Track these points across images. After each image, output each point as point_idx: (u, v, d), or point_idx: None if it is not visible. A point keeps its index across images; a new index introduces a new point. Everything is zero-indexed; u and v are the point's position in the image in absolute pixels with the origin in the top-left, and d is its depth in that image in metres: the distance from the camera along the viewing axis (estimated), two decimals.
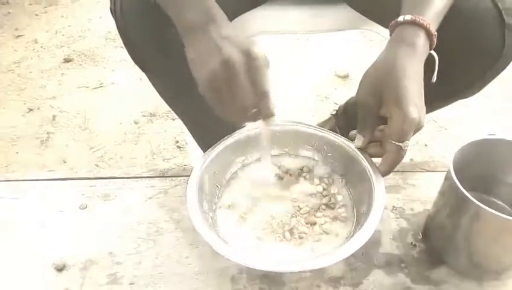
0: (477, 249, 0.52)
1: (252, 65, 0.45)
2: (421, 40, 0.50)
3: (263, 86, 0.46)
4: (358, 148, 0.55)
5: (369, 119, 0.52)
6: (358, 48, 1.70)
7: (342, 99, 1.07)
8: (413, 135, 0.49)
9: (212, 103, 0.47)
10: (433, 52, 0.51)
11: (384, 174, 0.52)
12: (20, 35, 1.86)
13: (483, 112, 1.37)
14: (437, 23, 0.52)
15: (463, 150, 0.53)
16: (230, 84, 0.45)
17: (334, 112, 1.05)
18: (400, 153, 0.49)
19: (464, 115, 1.35)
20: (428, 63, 0.51)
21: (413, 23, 0.50)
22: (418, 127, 0.48)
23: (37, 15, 2.00)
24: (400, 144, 0.48)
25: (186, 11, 0.49)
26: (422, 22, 0.50)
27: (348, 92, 1.45)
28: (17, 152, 1.30)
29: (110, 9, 0.66)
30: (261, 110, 0.47)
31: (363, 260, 0.55)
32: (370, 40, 1.72)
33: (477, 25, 0.56)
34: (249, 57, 0.45)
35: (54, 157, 1.28)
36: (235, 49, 0.45)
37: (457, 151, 0.52)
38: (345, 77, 1.53)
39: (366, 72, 0.52)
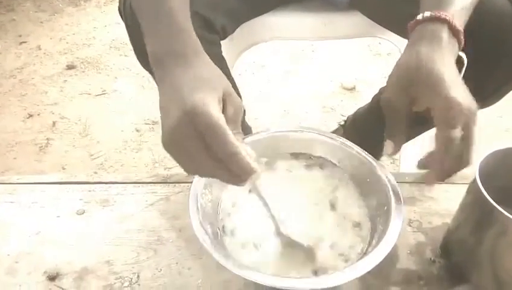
0: (503, 266, 0.48)
1: (208, 125, 0.36)
2: (445, 35, 0.45)
3: (225, 148, 0.37)
4: (388, 155, 0.49)
5: (398, 121, 0.47)
6: (364, 60, 1.68)
7: (348, 111, 1.04)
8: (471, 124, 0.41)
9: (174, 158, 0.40)
10: (461, 53, 0.47)
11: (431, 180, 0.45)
12: (24, 42, 1.85)
13: (495, 128, 1.34)
14: (463, 19, 0.47)
15: (487, 159, 0.49)
16: (186, 146, 0.38)
17: (343, 123, 1.02)
18: (450, 144, 0.40)
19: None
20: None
21: (433, 19, 0.45)
22: (469, 112, 0.41)
23: (41, 22, 2.00)
24: (447, 134, 0.40)
25: (158, 34, 0.42)
26: (444, 16, 0.45)
27: (354, 104, 1.42)
28: (14, 158, 1.27)
29: (119, 9, 0.64)
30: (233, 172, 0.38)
31: (379, 277, 0.51)
32: (377, 54, 1.71)
33: (500, 29, 0.54)
34: (205, 116, 0.36)
35: (52, 164, 1.25)
36: (196, 104, 0.37)
37: (482, 161, 0.49)
38: (352, 89, 1.51)
39: (389, 74, 0.47)
